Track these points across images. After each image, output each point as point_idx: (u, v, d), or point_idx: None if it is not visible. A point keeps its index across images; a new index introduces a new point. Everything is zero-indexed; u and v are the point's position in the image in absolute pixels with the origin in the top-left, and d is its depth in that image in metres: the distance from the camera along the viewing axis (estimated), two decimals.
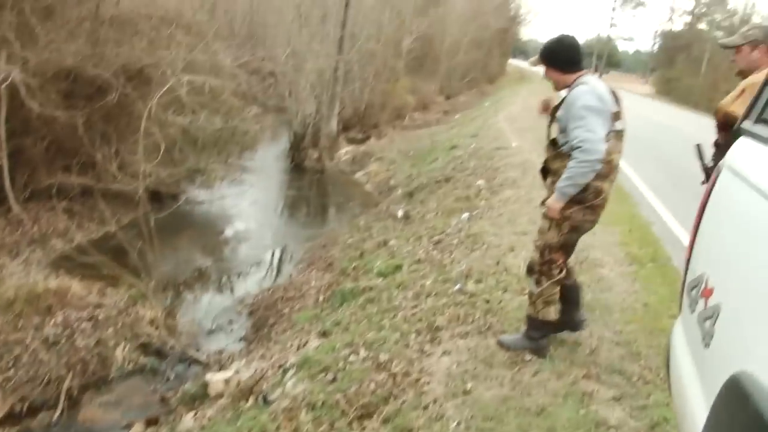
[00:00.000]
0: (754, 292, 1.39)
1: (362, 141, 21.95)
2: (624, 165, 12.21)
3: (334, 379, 4.18)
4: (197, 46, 11.98)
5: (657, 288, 5.44)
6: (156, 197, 11.11)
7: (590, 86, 3.52)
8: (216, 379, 5.83)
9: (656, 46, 73.36)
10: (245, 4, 27.23)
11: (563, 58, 3.69)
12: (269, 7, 23.93)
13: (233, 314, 8.36)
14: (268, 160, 18.45)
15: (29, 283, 7.15)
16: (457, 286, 5.32)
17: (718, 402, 1.35)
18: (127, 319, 7.11)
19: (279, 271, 10.33)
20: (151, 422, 5.69)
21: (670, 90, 48.46)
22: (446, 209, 9.14)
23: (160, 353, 6.96)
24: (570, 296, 3.99)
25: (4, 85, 8.53)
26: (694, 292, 1.82)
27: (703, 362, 1.63)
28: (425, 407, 3.51)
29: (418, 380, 3.83)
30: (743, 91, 3.69)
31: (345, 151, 20.37)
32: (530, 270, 3.89)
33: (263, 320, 7.81)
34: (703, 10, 61.34)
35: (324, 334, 5.52)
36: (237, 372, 5.83)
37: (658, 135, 18.77)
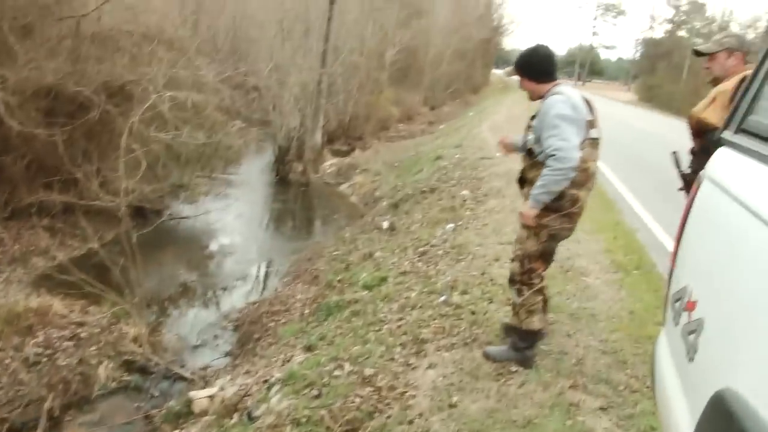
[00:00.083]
0: (737, 306, 1.36)
1: (347, 153, 21.96)
2: (608, 172, 12.28)
3: (318, 395, 4.13)
4: (180, 62, 11.95)
5: (642, 295, 5.43)
6: (140, 213, 11.03)
7: (564, 95, 3.53)
8: (200, 396, 5.77)
9: (638, 54, 74.25)
10: (228, 19, 27.21)
11: (538, 68, 3.71)
12: (252, 22, 23.94)
13: (218, 329, 8.29)
14: (253, 173, 18.40)
15: (9, 302, 7.05)
16: (443, 298, 5.28)
17: (703, 420, 1.32)
18: (110, 336, 7.02)
19: (264, 284, 10.27)
20: None
21: (652, 97, 48.91)
22: (431, 220, 9.12)
23: (144, 370, 6.88)
24: None
25: None
26: (677, 304, 1.79)
27: (688, 376, 1.60)
28: (411, 422, 3.47)
29: (403, 394, 3.79)
30: (714, 98, 3.76)
31: (330, 163, 20.35)
32: (512, 280, 3.89)
33: (248, 335, 7.75)
34: (683, 18, 62.15)
35: (309, 348, 5.47)
36: (222, 388, 5.77)
37: (642, 142, 18.87)
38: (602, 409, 3.52)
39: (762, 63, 1.87)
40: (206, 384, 6.35)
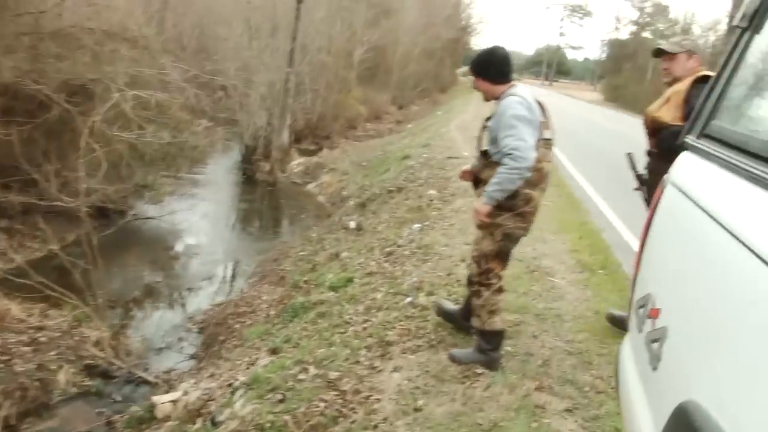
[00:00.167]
0: (701, 316, 1.33)
1: (314, 152, 21.85)
2: (575, 172, 12.37)
3: (282, 399, 4.06)
4: (143, 61, 11.76)
5: (608, 295, 5.45)
6: (103, 214, 10.84)
7: (520, 97, 3.56)
8: (164, 400, 5.67)
9: (604, 55, 75.10)
10: (195, 17, 26.89)
11: (495, 69, 3.72)
12: (219, 20, 23.70)
13: (183, 331, 8.19)
14: (219, 173, 18.24)
15: None
16: (408, 299, 5.25)
17: None
18: (71, 341, 6.87)
19: (230, 285, 10.17)
20: None
21: (617, 97, 49.55)
22: (398, 220, 9.08)
23: (106, 375, 6.75)
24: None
25: None
26: (641, 311, 1.77)
27: (651, 385, 1.57)
28: (375, 426, 3.43)
29: (368, 398, 3.74)
30: (669, 98, 3.94)
31: (297, 162, 20.23)
32: (470, 282, 3.91)
33: (214, 337, 7.65)
34: (647, 20, 62.98)
35: (274, 351, 5.39)
36: (185, 393, 5.67)
37: (609, 142, 19.03)
38: (568, 410, 3.51)
39: (724, 66, 1.86)
40: (170, 388, 6.25)
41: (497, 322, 3.82)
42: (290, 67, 19.85)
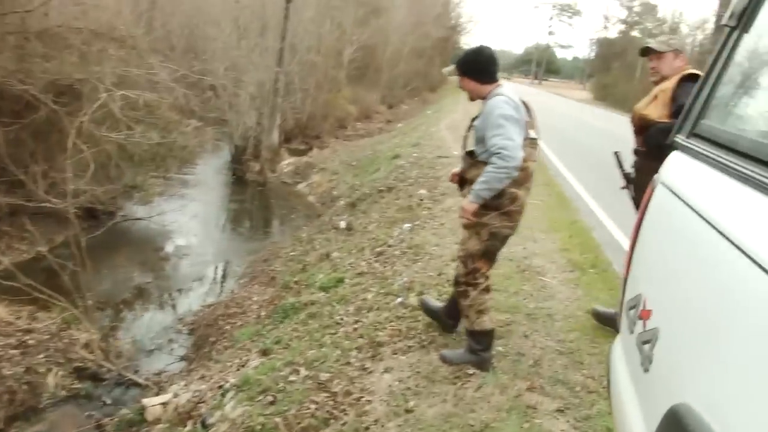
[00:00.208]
0: (692, 318, 1.32)
1: (304, 152, 21.79)
2: (564, 171, 12.38)
3: (273, 401, 4.04)
4: (132, 60, 11.70)
5: (598, 294, 5.44)
6: (91, 215, 10.80)
7: (506, 96, 3.57)
8: (154, 403, 5.64)
9: (593, 53, 75.27)
10: (183, 17, 26.76)
11: (481, 69, 3.72)
12: (208, 20, 23.60)
13: (174, 333, 8.15)
14: (209, 173, 18.17)
15: None
16: (399, 300, 5.23)
17: None
18: (60, 343, 6.81)
19: (221, 286, 10.13)
20: None
21: (607, 95, 49.66)
22: (388, 220, 9.06)
23: (95, 377, 6.70)
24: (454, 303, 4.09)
25: None
26: (632, 312, 1.75)
27: (643, 387, 1.55)
28: (366, 428, 3.41)
29: (359, 400, 3.73)
30: (656, 96, 3.99)
31: (287, 162, 20.18)
32: (456, 282, 3.90)
33: (204, 338, 7.62)
34: (635, 19, 63.26)
35: (265, 352, 5.37)
36: (176, 395, 5.64)
37: (599, 140, 19.05)
38: (559, 410, 3.50)
39: (713, 66, 1.85)
40: (160, 390, 6.22)
41: (486, 322, 3.81)
42: (280, 67, 19.80)
